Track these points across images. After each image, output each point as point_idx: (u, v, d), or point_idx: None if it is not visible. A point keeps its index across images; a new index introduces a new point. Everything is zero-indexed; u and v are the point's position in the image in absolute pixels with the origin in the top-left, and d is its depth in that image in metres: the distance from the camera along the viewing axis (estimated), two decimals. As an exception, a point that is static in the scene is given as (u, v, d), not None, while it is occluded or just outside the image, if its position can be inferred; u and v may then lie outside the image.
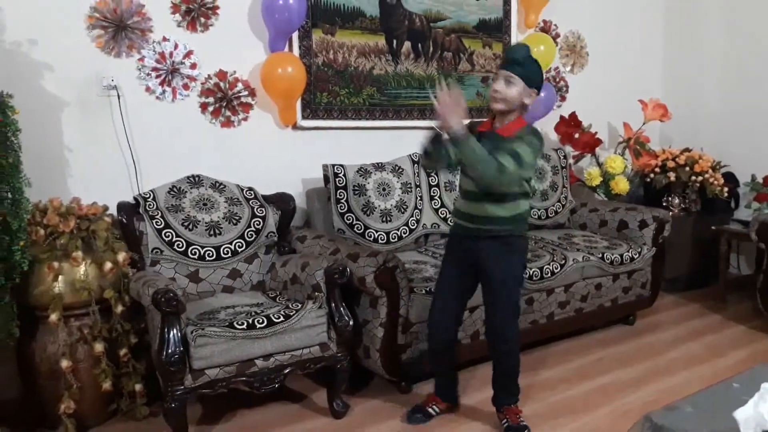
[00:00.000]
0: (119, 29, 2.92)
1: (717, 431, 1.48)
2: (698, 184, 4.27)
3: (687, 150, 4.41)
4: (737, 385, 1.74)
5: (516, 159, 2.18)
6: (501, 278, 2.40)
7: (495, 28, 4.11)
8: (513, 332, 2.47)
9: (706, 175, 4.23)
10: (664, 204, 4.41)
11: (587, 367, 3.22)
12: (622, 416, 2.66)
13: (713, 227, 4.21)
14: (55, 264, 2.42)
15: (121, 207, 2.74)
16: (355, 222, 3.21)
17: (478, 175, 2.20)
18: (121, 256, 2.55)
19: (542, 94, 2.34)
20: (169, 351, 2.24)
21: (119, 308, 2.53)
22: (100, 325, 2.50)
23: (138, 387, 2.61)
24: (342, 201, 3.22)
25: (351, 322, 2.63)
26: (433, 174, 3.54)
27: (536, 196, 3.94)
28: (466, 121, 2.19)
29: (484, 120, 2.46)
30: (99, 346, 2.48)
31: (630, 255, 3.55)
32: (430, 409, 2.66)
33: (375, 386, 2.97)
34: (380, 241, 3.24)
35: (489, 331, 2.50)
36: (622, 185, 4.29)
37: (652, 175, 4.39)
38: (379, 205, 3.30)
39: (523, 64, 2.28)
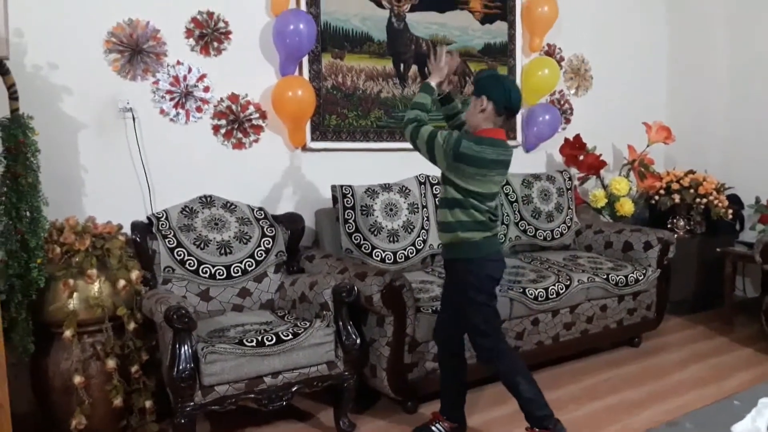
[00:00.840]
0: (135, 53, 3.02)
1: (716, 447, 1.51)
2: (703, 206, 4.31)
3: (691, 172, 4.45)
4: (738, 402, 1.76)
5: (426, 134, 2.39)
6: (457, 302, 2.52)
7: (500, 52, 4.20)
8: (487, 350, 2.49)
9: (711, 197, 4.26)
10: (669, 226, 4.44)
11: (594, 387, 3.24)
12: (628, 436, 2.68)
13: (718, 249, 4.23)
14: (71, 281, 2.48)
15: (135, 226, 2.81)
16: (362, 242, 3.26)
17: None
18: (134, 274, 2.61)
19: (488, 104, 2.43)
20: (180, 367, 2.29)
21: (132, 325, 2.58)
22: (113, 341, 2.55)
23: (148, 404, 2.64)
24: (350, 221, 3.27)
25: (358, 341, 2.67)
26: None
27: (508, 221, 3.87)
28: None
29: None
30: (111, 363, 2.52)
31: (635, 276, 3.58)
32: (434, 428, 2.65)
33: (381, 406, 3.00)
34: (387, 260, 3.29)
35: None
36: (627, 207, 4.33)
37: (656, 197, 4.43)
38: (387, 225, 3.35)
39: (476, 83, 2.51)
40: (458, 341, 2.64)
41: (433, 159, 2.41)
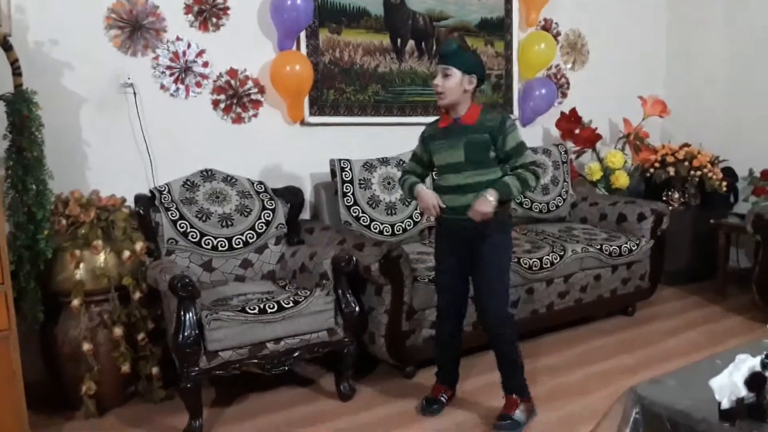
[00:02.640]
0: (135, 29, 3.05)
1: (695, 401, 1.58)
2: (697, 179, 4.36)
3: (686, 145, 4.50)
4: (719, 361, 1.83)
5: (525, 147, 2.43)
6: (492, 267, 2.49)
7: (497, 27, 4.22)
8: (502, 315, 2.52)
9: (705, 170, 4.32)
10: (664, 198, 4.50)
11: (587, 354, 3.32)
12: (619, 399, 2.76)
13: (712, 221, 4.29)
14: (77, 252, 2.56)
15: (138, 199, 2.88)
16: (361, 214, 3.33)
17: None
18: (139, 246, 2.69)
19: (483, 86, 2.52)
20: (186, 333, 2.37)
21: (137, 295, 2.67)
22: (119, 310, 2.64)
23: (155, 370, 2.74)
24: (348, 194, 3.34)
25: (357, 309, 2.75)
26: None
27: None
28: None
29: (439, 118, 2.56)
30: (118, 331, 2.61)
31: (628, 247, 3.65)
32: (442, 398, 2.72)
33: (380, 371, 3.09)
34: (385, 233, 3.36)
35: (482, 316, 2.57)
36: (622, 180, 4.39)
37: (652, 170, 4.48)
38: (384, 199, 3.42)
39: (454, 56, 2.43)
40: (462, 316, 2.69)
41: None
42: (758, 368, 1.50)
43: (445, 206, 2.46)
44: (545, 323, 3.49)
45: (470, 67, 2.42)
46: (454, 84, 2.41)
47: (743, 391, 1.48)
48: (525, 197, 3.98)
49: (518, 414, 2.53)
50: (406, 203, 3.46)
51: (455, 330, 2.68)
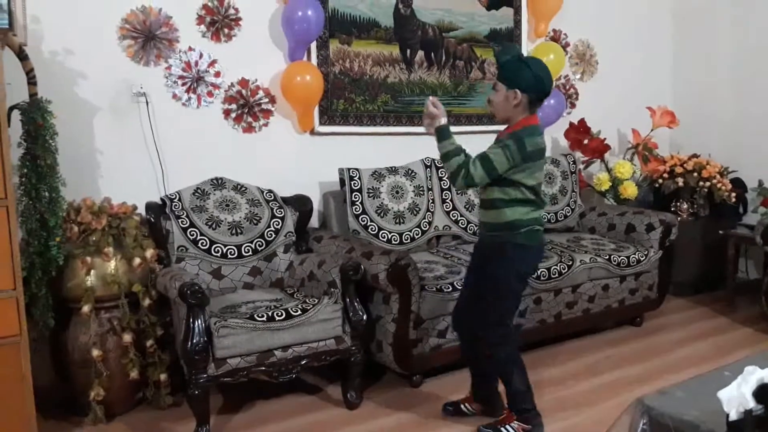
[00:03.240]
0: (148, 39, 3.10)
1: (703, 412, 1.58)
2: (706, 190, 4.35)
3: (695, 156, 4.50)
4: (728, 373, 1.83)
5: (482, 161, 2.30)
6: (485, 283, 2.47)
7: (506, 38, 4.24)
8: (495, 338, 2.47)
9: (714, 181, 4.31)
10: (672, 209, 4.49)
11: (595, 364, 3.32)
12: (627, 410, 2.75)
13: (721, 232, 4.28)
14: (88, 259, 2.59)
15: (149, 207, 2.91)
16: (369, 223, 3.35)
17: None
18: (149, 253, 2.71)
19: (523, 96, 2.35)
20: (195, 340, 2.39)
21: (146, 301, 2.69)
22: (129, 317, 2.66)
23: (163, 377, 2.76)
24: (357, 203, 3.36)
25: (365, 317, 2.77)
26: (445, 177, 3.66)
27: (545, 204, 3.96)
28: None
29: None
30: (127, 337, 2.63)
31: (636, 257, 3.65)
32: (463, 407, 2.71)
33: (387, 380, 3.10)
34: (393, 242, 3.37)
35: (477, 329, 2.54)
36: (630, 190, 4.38)
37: (660, 181, 4.48)
38: (393, 208, 3.44)
39: (503, 69, 2.37)
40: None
41: (498, 177, 2.33)
42: (767, 380, 1.50)
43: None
44: (553, 333, 3.49)
45: (516, 82, 2.32)
46: (500, 99, 2.36)
47: (751, 403, 1.47)
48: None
49: (507, 428, 2.49)
50: (415, 213, 3.48)
51: (475, 342, 2.60)
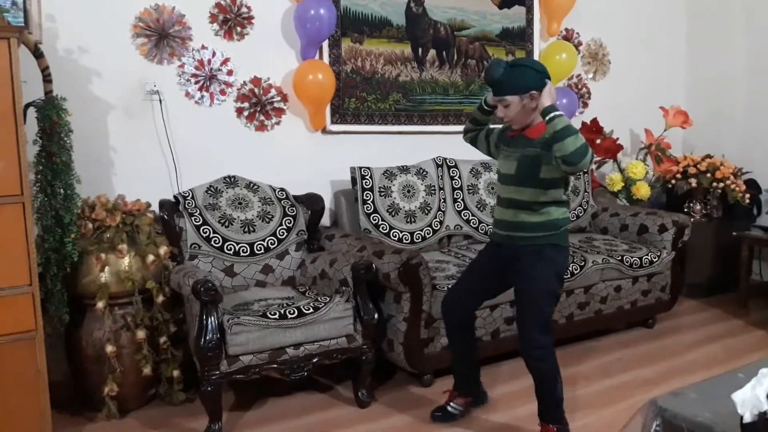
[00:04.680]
0: (161, 38, 3.11)
1: (716, 414, 1.57)
2: (720, 191, 4.32)
3: (708, 156, 4.47)
4: (742, 375, 1.82)
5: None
6: (529, 290, 2.37)
7: (518, 37, 4.23)
8: (541, 346, 2.36)
9: (728, 182, 4.27)
10: (685, 210, 4.46)
11: (607, 365, 3.31)
12: (639, 411, 2.74)
13: (734, 233, 4.25)
14: (102, 255, 2.61)
15: (163, 204, 2.93)
16: (380, 222, 3.35)
17: (571, 149, 2.13)
18: (163, 250, 2.73)
19: (547, 84, 2.28)
20: (208, 337, 2.40)
21: (160, 298, 2.71)
22: (142, 313, 2.68)
23: (176, 373, 2.78)
24: (368, 202, 3.36)
25: (376, 316, 2.77)
26: (456, 177, 3.66)
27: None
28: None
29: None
30: (141, 333, 2.65)
31: (649, 258, 3.63)
32: (450, 408, 2.70)
33: (398, 379, 3.10)
34: (404, 241, 3.37)
35: (519, 343, 2.43)
36: (643, 190, 4.36)
37: (673, 181, 4.45)
38: (404, 207, 3.44)
39: (502, 82, 2.30)
40: (471, 314, 2.67)
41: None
42: (782, 382, 1.49)
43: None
44: (565, 334, 3.46)
45: (523, 86, 2.28)
46: (516, 110, 2.32)
47: (765, 405, 1.46)
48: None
49: None
50: (426, 212, 3.48)
51: (459, 330, 2.61)
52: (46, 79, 2.60)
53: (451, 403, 2.72)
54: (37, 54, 2.58)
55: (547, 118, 2.21)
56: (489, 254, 2.57)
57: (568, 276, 3.29)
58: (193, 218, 2.94)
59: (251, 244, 3.01)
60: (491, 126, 2.61)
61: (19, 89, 2.22)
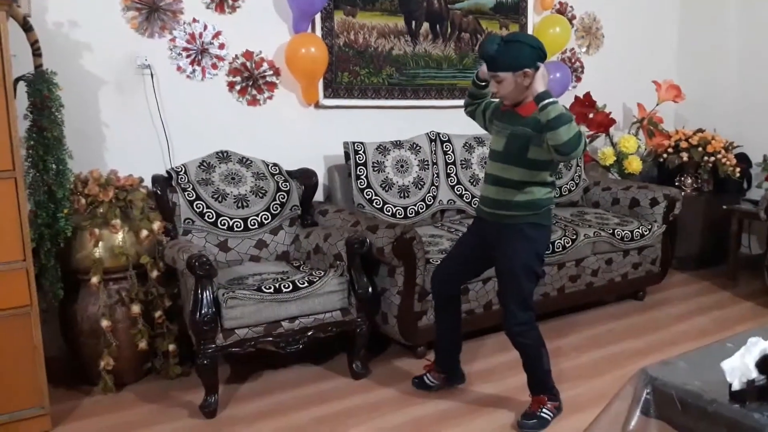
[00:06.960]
0: (152, 11, 3.07)
1: (706, 382, 1.61)
2: (711, 164, 4.34)
3: (700, 131, 4.48)
4: (731, 344, 1.85)
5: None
6: (509, 267, 2.40)
7: (512, 10, 4.20)
8: (521, 322, 2.40)
9: (719, 156, 4.30)
10: (676, 184, 4.48)
11: (597, 337, 3.36)
12: (628, 381, 2.79)
13: (724, 207, 4.28)
14: (96, 231, 2.61)
15: (156, 179, 2.92)
16: (374, 197, 3.36)
17: (564, 139, 2.13)
18: (156, 225, 2.73)
19: (541, 67, 2.25)
20: (203, 311, 2.42)
21: (154, 273, 2.72)
22: (137, 288, 2.69)
23: (171, 347, 2.79)
24: (362, 177, 3.36)
25: (370, 290, 2.80)
26: (450, 152, 3.66)
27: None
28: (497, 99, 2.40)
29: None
30: (136, 308, 2.66)
31: (640, 231, 3.66)
32: (426, 379, 2.75)
33: (392, 351, 3.14)
34: (398, 215, 3.38)
35: (503, 320, 2.48)
36: (635, 165, 4.38)
37: (665, 156, 4.47)
38: (397, 182, 3.44)
39: (497, 58, 2.26)
40: (458, 289, 2.68)
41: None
42: (770, 351, 1.52)
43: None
44: (556, 306, 3.52)
45: (517, 63, 2.25)
46: (509, 87, 2.30)
47: (754, 373, 1.50)
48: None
49: (545, 412, 2.47)
50: (420, 187, 3.48)
51: (447, 304, 2.65)
52: (36, 53, 2.56)
53: (428, 375, 2.76)
54: (26, 27, 2.53)
55: (540, 105, 2.19)
56: (475, 230, 2.60)
57: (560, 249, 3.32)
58: (186, 193, 2.93)
59: (245, 219, 3.02)
60: (491, 99, 2.59)
61: (8, 63, 2.19)
